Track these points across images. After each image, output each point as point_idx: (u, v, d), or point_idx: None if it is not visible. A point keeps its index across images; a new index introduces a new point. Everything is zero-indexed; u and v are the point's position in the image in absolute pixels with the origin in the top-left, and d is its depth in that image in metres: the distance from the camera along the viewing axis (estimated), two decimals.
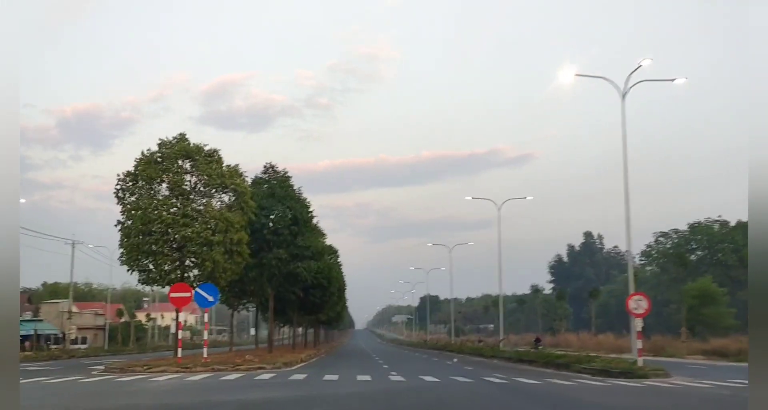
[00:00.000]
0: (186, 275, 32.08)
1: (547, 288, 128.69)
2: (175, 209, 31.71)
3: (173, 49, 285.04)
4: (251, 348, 53.97)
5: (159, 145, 32.79)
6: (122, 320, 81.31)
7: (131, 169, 32.14)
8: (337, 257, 64.28)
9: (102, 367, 28.18)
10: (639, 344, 26.31)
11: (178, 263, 31.85)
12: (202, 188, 32.97)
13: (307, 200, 41.19)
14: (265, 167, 40.85)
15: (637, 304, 25.97)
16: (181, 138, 33.10)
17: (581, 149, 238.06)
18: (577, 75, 28.59)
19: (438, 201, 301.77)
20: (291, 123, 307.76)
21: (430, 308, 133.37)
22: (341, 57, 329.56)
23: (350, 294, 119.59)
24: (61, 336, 69.65)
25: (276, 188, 39.28)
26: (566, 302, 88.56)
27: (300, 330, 77.46)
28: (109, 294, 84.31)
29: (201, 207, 32.35)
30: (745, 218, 74.78)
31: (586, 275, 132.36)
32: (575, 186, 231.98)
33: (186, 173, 32.79)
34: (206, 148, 33.19)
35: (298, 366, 31.20)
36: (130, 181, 32.12)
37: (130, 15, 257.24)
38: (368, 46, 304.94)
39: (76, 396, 16.30)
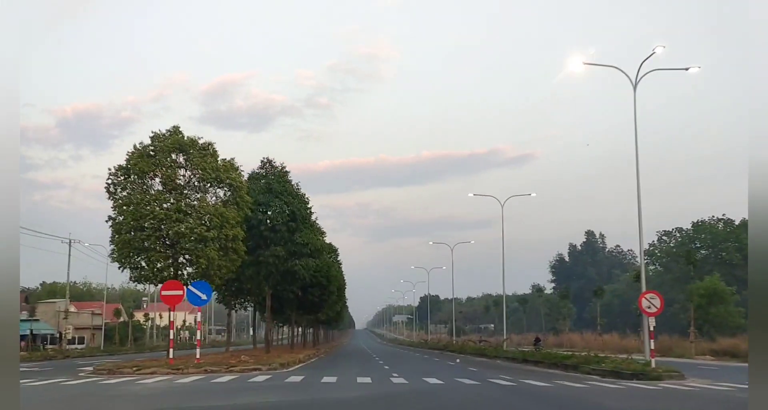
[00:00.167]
0: (180, 272, 30.94)
1: (548, 288, 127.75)
2: (168, 204, 30.53)
3: (173, 49, 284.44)
4: (249, 349, 52.79)
5: (152, 138, 31.59)
6: (121, 320, 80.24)
7: (123, 163, 31.02)
8: (337, 255, 63.31)
9: (91, 368, 26.98)
10: (652, 344, 25.16)
11: (171, 260, 30.70)
12: (196, 183, 31.79)
13: (306, 196, 40.01)
14: (262, 161, 39.61)
15: (650, 302, 24.82)
16: (175, 131, 31.91)
17: (582, 148, 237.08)
18: (586, 64, 27.49)
19: (438, 201, 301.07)
20: (291, 123, 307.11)
21: (430, 308, 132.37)
22: (341, 57, 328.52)
23: (350, 294, 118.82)
24: (57, 335, 68.63)
25: (273, 183, 38.02)
26: (570, 302, 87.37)
27: (299, 329, 76.38)
28: (105, 293, 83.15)
29: (195, 202, 31.15)
30: None
31: (587, 275, 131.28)
32: (576, 186, 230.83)
33: (179, 167, 31.63)
34: (201, 141, 32.01)
35: (296, 367, 30.04)
36: (121, 175, 30.93)
37: (130, 15, 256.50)
38: (368, 45, 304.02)
39: (50, 401, 15.13)
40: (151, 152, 31.12)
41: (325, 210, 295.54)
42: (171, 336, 27.64)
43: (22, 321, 62.65)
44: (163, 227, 29.94)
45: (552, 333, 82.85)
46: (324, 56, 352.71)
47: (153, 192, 30.66)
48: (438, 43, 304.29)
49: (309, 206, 39.89)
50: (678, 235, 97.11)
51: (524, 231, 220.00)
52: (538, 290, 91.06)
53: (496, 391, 17.99)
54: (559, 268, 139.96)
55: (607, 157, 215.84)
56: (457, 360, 41.23)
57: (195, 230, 29.82)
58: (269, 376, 22.14)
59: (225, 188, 32.35)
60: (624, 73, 26.98)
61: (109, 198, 30.86)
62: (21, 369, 28.77)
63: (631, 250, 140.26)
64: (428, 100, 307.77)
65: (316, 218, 41.38)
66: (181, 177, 31.47)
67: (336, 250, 62.54)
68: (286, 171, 39.32)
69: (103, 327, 76.36)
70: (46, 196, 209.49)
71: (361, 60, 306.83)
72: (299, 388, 17.92)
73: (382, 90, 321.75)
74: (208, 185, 31.86)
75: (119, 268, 30.75)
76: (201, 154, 31.56)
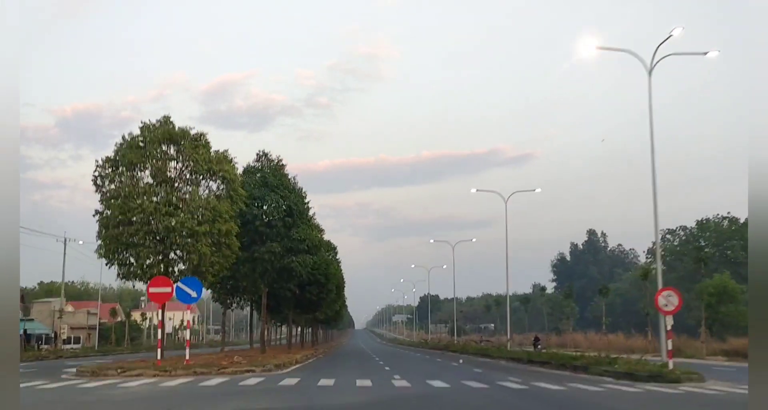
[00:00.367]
0: (170, 269, 29.49)
1: (550, 287, 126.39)
2: (157, 197, 29.04)
3: (173, 49, 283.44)
4: (246, 349, 51.31)
5: (141, 128, 30.09)
6: (118, 319, 78.89)
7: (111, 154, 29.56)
8: (336, 253, 61.90)
9: (74, 370, 25.47)
10: (669, 344, 23.74)
11: (161, 256, 29.22)
12: (188, 175, 30.31)
13: (303, 190, 38.47)
14: (257, 154, 38.09)
15: (667, 300, 23.40)
16: (165, 121, 30.39)
17: (582, 148, 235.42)
18: (599, 48, 26.00)
19: (438, 201, 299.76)
20: (291, 123, 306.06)
21: (430, 308, 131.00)
22: (341, 57, 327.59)
23: (350, 294, 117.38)
24: (52, 335, 67.24)
25: (269, 176, 36.48)
26: (573, 301, 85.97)
27: (298, 329, 74.91)
28: (99, 292, 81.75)
29: (186, 196, 29.65)
30: None
31: (589, 274, 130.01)
32: (577, 186, 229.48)
33: (170, 159, 30.15)
34: (192, 131, 30.53)
35: (292, 368, 28.57)
36: (109, 167, 29.45)
37: (130, 14, 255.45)
38: (368, 45, 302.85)
39: None
40: (140, 143, 29.61)
41: (325, 210, 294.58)
42: (159, 336, 26.14)
43: None
44: (152, 221, 28.47)
45: (554, 333, 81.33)
46: (324, 56, 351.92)
47: (142, 185, 29.18)
48: (438, 42, 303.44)
49: (306, 200, 38.36)
50: (682, 233, 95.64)
51: (524, 231, 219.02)
52: (541, 289, 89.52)
53: (507, 396, 16.53)
54: (560, 267, 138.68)
55: (608, 156, 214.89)
56: (460, 361, 39.80)
57: (186, 224, 28.34)
58: (262, 379, 20.66)
59: (218, 181, 30.87)
60: (639, 57, 25.50)
61: (96, 191, 29.41)
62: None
63: (633, 249, 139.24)
64: (428, 100, 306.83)
65: (314, 214, 39.84)
66: (172, 169, 30.03)
67: (335, 248, 61.16)
68: (283, 164, 37.75)
69: (97, 327, 74.95)
70: (46, 196, 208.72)
71: (361, 60, 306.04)
72: (293, 392, 16.47)
73: (382, 90, 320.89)
74: (201, 177, 30.38)
75: (106, 264, 29.29)
76: (193, 145, 30.04)
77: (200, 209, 29.20)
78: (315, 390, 17.07)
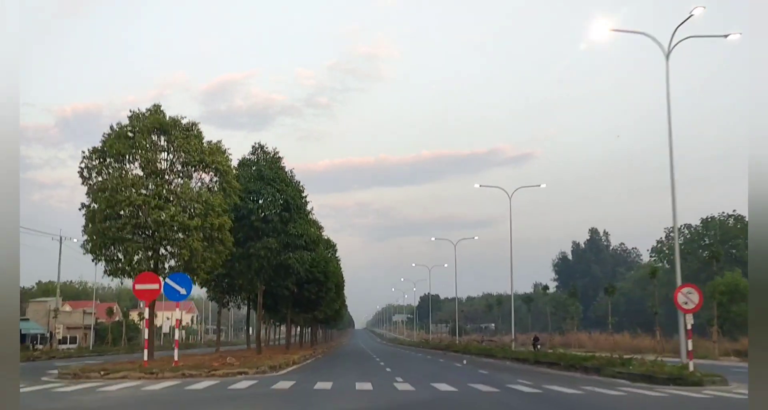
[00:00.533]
0: (161, 265, 28.05)
1: (552, 287, 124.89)
2: (146, 190, 27.59)
3: (173, 49, 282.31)
4: (243, 349, 49.85)
5: (130, 118, 28.69)
6: (116, 319, 77.41)
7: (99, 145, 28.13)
8: (335, 251, 60.49)
9: (56, 372, 23.95)
10: (689, 344, 22.30)
11: (150, 252, 27.77)
12: (179, 167, 28.87)
13: (301, 184, 36.92)
14: (253, 147, 36.53)
15: (687, 297, 21.94)
16: (156, 110, 28.98)
17: (582, 148, 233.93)
18: (612, 30, 24.53)
19: (438, 201, 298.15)
20: (291, 123, 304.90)
21: (430, 307, 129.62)
22: (341, 56, 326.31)
23: (350, 294, 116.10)
24: (48, 335, 65.82)
25: (265, 169, 34.96)
26: (578, 300, 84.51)
27: (298, 329, 73.44)
28: (94, 291, 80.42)
29: (177, 188, 28.19)
30: None
31: (591, 273, 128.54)
32: (577, 185, 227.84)
33: (161, 150, 28.70)
34: (184, 121, 29.08)
35: (288, 369, 27.12)
36: (96, 158, 28.02)
37: (130, 14, 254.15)
38: (368, 45, 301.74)
39: None
40: (128, 133, 28.20)
41: (325, 210, 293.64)
42: (147, 336, 24.66)
43: None
44: (141, 214, 27.05)
45: (558, 333, 79.85)
46: (324, 56, 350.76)
47: (131, 177, 27.72)
48: (438, 42, 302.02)
49: (304, 195, 36.83)
50: (687, 231, 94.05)
51: (525, 230, 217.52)
52: (544, 287, 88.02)
53: (521, 401, 15.08)
54: (562, 266, 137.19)
55: (609, 156, 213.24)
56: (464, 361, 38.38)
57: (177, 218, 26.91)
58: (254, 382, 19.17)
59: (211, 173, 29.45)
60: (655, 40, 24.04)
61: (83, 184, 28.00)
62: None
63: (636, 248, 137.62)
64: (428, 100, 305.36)
65: (312, 209, 38.29)
66: (163, 161, 28.59)
67: (334, 245, 59.77)
68: (279, 157, 36.21)
69: (92, 327, 73.50)
70: (46, 195, 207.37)
71: (361, 60, 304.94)
72: (286, 397, 15.00)
73: (382, 90, 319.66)
74: (193, 169, 28.95)
75: (93, 260, 27.86)
76: (184, 135, 28.64)
77: (192, 202, 27.79)
78: (310, 394, 15.60)
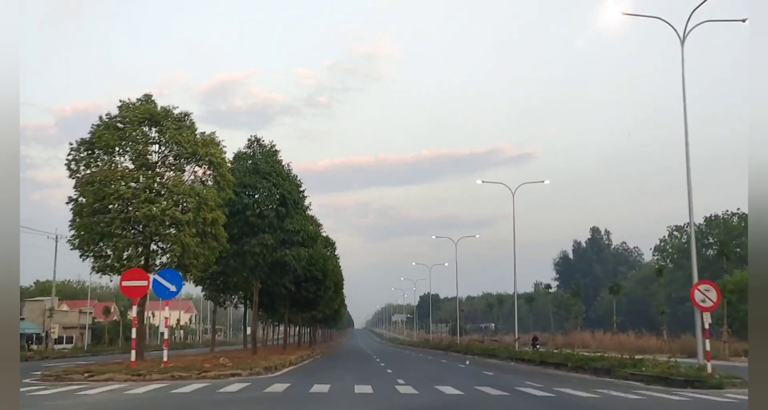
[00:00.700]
0: (151, 262, 26.85)
1: (553, 286, 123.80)
2: (136, 182, 26.36)
3: (173, 49, 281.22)
4: (239, 349, 48.63)
5: (120, 108, 27.49)
6: (113, 318, 76.24)
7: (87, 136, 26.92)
8: (334, 249, 59.31)
9: (40, 373, 22.73)
10: (707, 345, 21.13)
11: (141, 247, 26.56)
12: (171, 160, 27.67)
13: (298, 179, 35.68)
14: (249, 140, 35.25)
15: (705, 295, 20.80)
16: (146, 100, 27.77)
17: (582, 148, 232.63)
18: (624, 14, 23.39)
19: (438, 200, 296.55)
20: (291, 122, 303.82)
21: (430, 307, 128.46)
22: (341, 56, 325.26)
23: (349, 294, 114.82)
24: (43, 335, 64.65)
25: (261, 163, 33.72)
26: (580, 300, 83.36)
27: (296, 329, 72.23)
28: (89, 290, 79.23)
29: (169, 181, 26.97)
30: None
31: (593, 272, 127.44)
32: (578, 185, 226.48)
33: (152, 142, 27.48)
34: (176, 111, 27.89)
35: (284, 370, 25.93)
36: (84, 150, 26.80)
37: (130, 14, 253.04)
38: (368, 45, 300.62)
39: None
40: (118, 124, 26.99)
41: (325, 209, 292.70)
42: (134, 335, 23.45)
43: None
44: (131, 208, 25.84)
45: (560, 333, 78.64)
46: (324, 56, 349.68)
47: (120, 169, 26.51)
48: (438, 42, 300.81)
49: (302, 189, 35.59)
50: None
51: (525, 230, 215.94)
52: (546, 287, 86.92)
53: (536, 407, 13.89)
54: (563, 266, 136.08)
55: (609, 156, 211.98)
56: (467, 362, 37.24)
57: (168, 212, 25.63)
58: (247, 384, 17.98)
59: (204, 166, 28.23)
60: (671, 25, 22.88)
61: (70, 177, 26.74)
62: None
63: (637, 247, 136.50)
64: (428, 100, 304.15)
65: (310, 204, 37.05)
66: (155, 153, 27.38)
67: (333, 243, 58.58)
68: (276, 150, 34.95)
69: (87, 326, 72.36)
70: (46, 195, 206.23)
71: (360, 59, 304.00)
72: (279, 402, 13.80)
73: (382, 89, 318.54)
74: (185, 161, 27.73)
75: (80, 257, 26.60)
76: (176, 126, 27.40)
77: (184, 196, 26.56)
78: (306, 398, 14.40)
